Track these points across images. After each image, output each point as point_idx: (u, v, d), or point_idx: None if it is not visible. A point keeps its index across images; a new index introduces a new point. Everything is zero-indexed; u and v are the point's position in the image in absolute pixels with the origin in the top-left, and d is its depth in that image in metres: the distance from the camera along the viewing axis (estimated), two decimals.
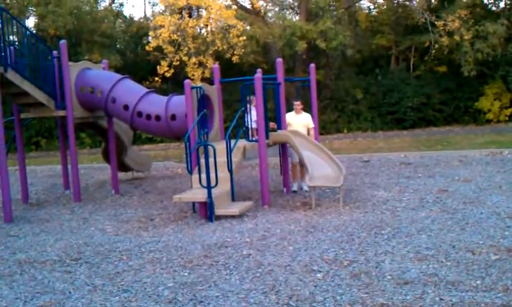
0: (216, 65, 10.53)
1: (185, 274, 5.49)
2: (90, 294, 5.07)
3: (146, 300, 4.81)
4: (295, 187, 9.97)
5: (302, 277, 5.14)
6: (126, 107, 9.99)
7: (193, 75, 23.28)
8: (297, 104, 9.98)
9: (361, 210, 7.94)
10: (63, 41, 10.15)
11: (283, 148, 9.98)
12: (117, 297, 4.93)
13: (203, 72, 23.51)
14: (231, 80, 11.44)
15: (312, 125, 9.96)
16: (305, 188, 9.68)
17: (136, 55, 29.07)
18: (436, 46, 23.69)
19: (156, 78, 24.31)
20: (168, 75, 23.91)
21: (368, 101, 25.70)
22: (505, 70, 23.72)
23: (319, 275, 5.18)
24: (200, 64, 23.87)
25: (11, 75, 8.90)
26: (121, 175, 12.66)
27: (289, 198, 9.29)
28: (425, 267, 5.22)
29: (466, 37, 22.53)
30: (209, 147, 8.00)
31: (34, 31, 23.57)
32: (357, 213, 7.74)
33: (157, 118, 9.78)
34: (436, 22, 23.23)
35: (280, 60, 9.83)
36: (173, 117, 9.63)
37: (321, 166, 8.70)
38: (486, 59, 22.99)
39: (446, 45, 23.30)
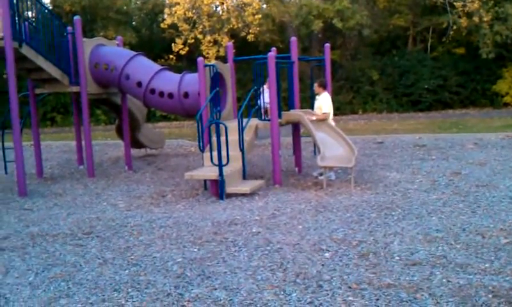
0: (230, 43, 10.47)
1: (195, 250, 5.53)
2: (100, 267, 5.14)
3: (155, 275, 4.86)
4: (332, 176, 8.97)
5: (310, 256, 5.16)
6: (139, 84, 10.01)
7: (208, 53, 23.25)
8: (315, 86, 9.37)
9: (372, 191, 7.91)
10: (77, 17, 10.18)
11: (296, 128, 9.94)
12: (126, 271, 5.00)
13: (218, 50, 23.46)
14: (244, 58, 11.27)
15: (323, 110, 9.01)
16: (315, 174, 9.32)
17: (151, 33, 29.07)
18: (455, 27, 23.35)
19: (171, 56, 24.33)
20: (182, 53, 23.89)
21: (384, 82, 25.46)
22: None
23: (327, 254, 5.18)
24: (215, 42, 23.81)
25: (26, 51, 8.95)
26: (135, 152, 12.74)
27: (300, 178, 9.28)
28: (434, 249, 5.19)
29: (485, 19, 22.16)
30: (221, 125, 8.00)
31: (49, 7, 23.65)
32: (368, 194, 7.72)
33: (170, 95, 9.79)
34: (454, 3, 22.86)
35: (294, 39, 9.75)
36: (186, 95, 9.63)
37: (333, 147, 8.65)
38: (504, 41, 22.63)
39: (464, 27, 22.96)
